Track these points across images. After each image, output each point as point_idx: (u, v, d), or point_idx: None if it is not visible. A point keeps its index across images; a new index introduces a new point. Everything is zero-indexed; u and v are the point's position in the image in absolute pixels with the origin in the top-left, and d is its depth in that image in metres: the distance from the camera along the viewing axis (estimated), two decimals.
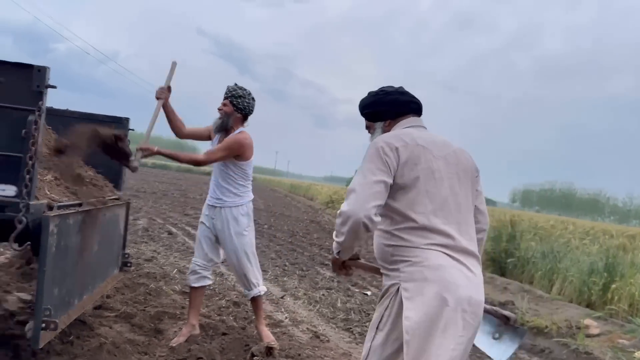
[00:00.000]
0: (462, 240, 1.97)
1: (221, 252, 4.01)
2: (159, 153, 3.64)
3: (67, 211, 2.69)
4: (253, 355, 3.53)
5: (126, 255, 4.14)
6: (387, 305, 2.00)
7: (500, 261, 8.90)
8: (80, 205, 2.97)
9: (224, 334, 4.01)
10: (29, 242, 2.43)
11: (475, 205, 2.16)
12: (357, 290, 6.79)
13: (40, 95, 2.29)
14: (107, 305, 4.30)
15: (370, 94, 2.28)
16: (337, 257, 2.19)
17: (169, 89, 3.82)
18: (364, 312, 5.57)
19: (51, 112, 4.01)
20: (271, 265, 7.62)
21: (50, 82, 2.37)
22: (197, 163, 3.84)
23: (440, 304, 1.85)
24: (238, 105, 3.86)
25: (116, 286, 4.83)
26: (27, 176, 2.27)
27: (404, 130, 2.13)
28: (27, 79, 2.29)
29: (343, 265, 2.32)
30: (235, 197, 3.89)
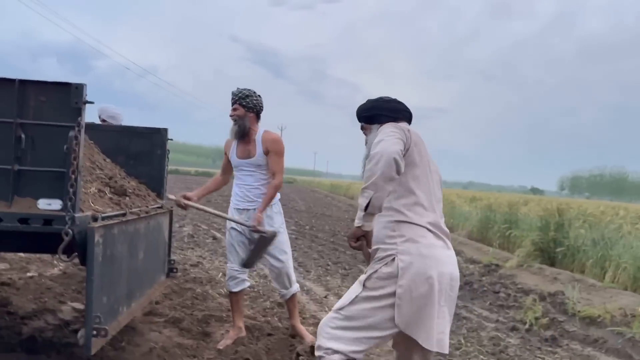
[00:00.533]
0: (442, 222, 2.31)
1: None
2: (262, 212, 3.84)
3: (112, 221, 2.78)
4: (299, 355, 3.56)
5: (172, 262, 4.25)
6: (377, 269, 2.22)
7: (549, 251, 8.65)
8: (124, 215, 3.07)
9: (269, 334, 4.06)
10: (76, 253, 2.53)
11: None
12: None
13: (78, 111, 2.37)
14: (156, 311, 4.42)
15: (370, 101, 2.56)
16: (360, 224, 2.22)
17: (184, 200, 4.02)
18: None
19: (93, 127, 4.17)
20: (314, 265, 7.66)
21: (90, 99, 2.46)
22: (279, 187, 3.95)
23: (431, 278, 2.12)
24: (248, 105, 3.92)
25: (164, 292, 4.97)
26: (71, 190, 2.36)
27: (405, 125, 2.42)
28: (66, 97, 2.38)
29: (360, 238, 2.32)
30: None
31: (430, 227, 2.23)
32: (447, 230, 2.35)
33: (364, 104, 2.57)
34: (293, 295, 4.00)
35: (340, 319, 2.26)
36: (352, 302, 2.24)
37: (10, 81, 2.37)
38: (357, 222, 2.22)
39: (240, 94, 3.92)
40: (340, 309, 2.28)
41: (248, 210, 3.96)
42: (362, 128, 2.61)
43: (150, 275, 3.67)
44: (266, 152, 3.91)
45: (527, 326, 5.13)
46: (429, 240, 2.19)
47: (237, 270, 3.97)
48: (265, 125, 4.04)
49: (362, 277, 2.30)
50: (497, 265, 8.40)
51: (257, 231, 3.79)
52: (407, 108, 2.53)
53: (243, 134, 3.93)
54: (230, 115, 3.95)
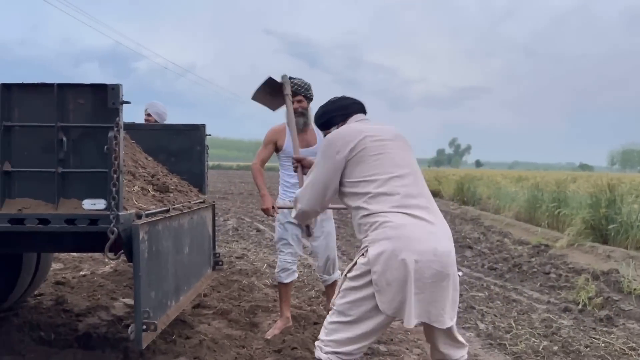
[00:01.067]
0: (418, 199, 2.29)
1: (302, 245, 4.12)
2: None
3: (156, 218, 2.84)
4: None
5: (217, 255, 4.32)
6: (356, 262, 2.27)
7: (600, 229, 8.33)
8: (167, 211, 3.13)
9: (315, 323, 4.08)
10: (122, 251, 2.59)
11: None
12: None
13: (116, 111, 2.42)
14: (204, 304, 4.51)
15: (321, 107, 2.66)
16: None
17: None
18: None
19: (133, 126, 4.26)
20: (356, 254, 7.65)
21: (131, 99, 2.51)
22: None
23: (404, 259, 2.11)
24: (310, 97, 3.92)
25: (211, 285, 5.06)
26: (114, 189, 2.41)
27: (348, 125, 2.51)
28: (103, 98, 2.42)
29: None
30: None
31: (397, 210, 2.22)
32: (427, 205, 2.32)
33: (317, 111, 2.70)
34: (334, 282, 4.01)
35: (335, 314, 2.30)
36: (341, 296, 2.29)
37: (49, 86, 2.44)
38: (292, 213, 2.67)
39: (305, 85, 3.89)
40: (334, 304, 2.33)
41: None
42: (324, 136, 2.65)
43: (197, 268, 3.74)
44: None
45: (580, 307, 4.97)
46: (397, 222, 2.18)
47: (289, 262, 4.02)
48: None
49: (345, 269, 2.35)
50: (546, 245, 8.17)
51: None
52: (356, 101, 2.63)
53: (306, 127, 3.93)
54: (295, 108, 3.80)
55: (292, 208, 3.99)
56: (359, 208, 2.31)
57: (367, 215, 2.26)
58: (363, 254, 2.24)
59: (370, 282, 2.17)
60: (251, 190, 21.21)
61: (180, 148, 4.22)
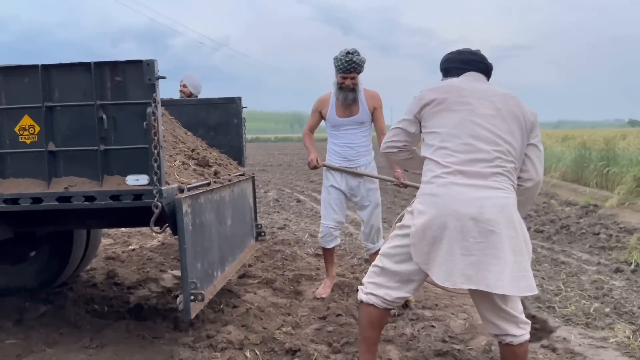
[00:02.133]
0: (479, 166, 2.16)
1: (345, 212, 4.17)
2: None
3: (197, 191, 2.88)
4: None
5: (259, 226, 4.38)
6: (405, 212, 2.37)
7: None
8: (208, 184, 3.17)
9: (357, 290, 4.09)
10: (167, 224, 2.64)
11: (526, 154, 2.30)
12: None
13: (153, 87, 2.43)
14: (249, 274, 4.59)
15: (447, 54, 2.55)
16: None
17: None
18: None
19: (171, 102, 4.31)
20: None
21: (169, 75, 2.53)
22: None
23: (442, 216, 2.12)
24: (361, 71, 3.92)
25: (255, 255, 5.15)
26: (155, 164, 2.45)
27: (451, 80, 2.43)
28: (139, 74, 2.44)
29: None
30: (369, 154, 4.08)
31: (455, 167, 2.18)
32: (489, 171, 2.17)
33: (444, 56, 2.57)
34: (378, 250, 4.01)
35: (379, 259, 2.40)
36: (387, 243, 2.41)
37: (87, 65, 2.47)
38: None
39: (360, 63, 3.84)
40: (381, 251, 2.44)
41: (350, 168, 4.02)
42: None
43: (240, 239, 3.80)
44: (372, 110, 3.98)
45: (632, 267, 4.80)
46: (447, 180, 2.17)
47: (332, 228, 4.08)
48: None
49: (395, 220, 2.49)
50: (595, 205, 7.90)
51: (404, 185, 3.99)
52: (481, 59, 2.47)
53: (354, 102, 3.95)
54: (348, 85, 3.86)
55: (337, 169, 4.03)
56: (424, 158, 2.35)
57: (428, 167, 2.30)
58: (411, 206, 2.33)
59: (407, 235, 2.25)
60: (290, 161, 21.32)
61: (218, 122, 4.25)
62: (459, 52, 2.51)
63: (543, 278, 4.60)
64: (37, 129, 2.50)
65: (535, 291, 2.13)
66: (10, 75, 2.52)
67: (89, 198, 2.49)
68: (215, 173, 3.45)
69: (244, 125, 4.27)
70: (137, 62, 2.45)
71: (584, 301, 3.95)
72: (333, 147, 4.10)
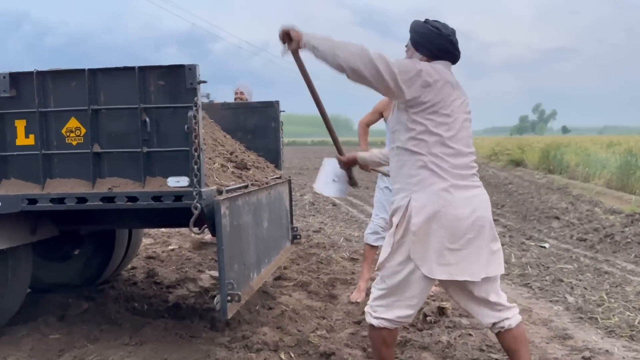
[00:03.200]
0: (470, 162, 2.26)
1: None
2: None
3: (236, 194, 2.92)
4: (425, 315, 3.52)
5: (295, 229, 4.41)
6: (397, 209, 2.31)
7: None
8: (246, 187, 3.21)
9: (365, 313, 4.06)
10: (206, 225, 2.69)
11: None
12: (532, 243, 6.38)
13: (194, 91, 2.49)
14: (285, 276, 4.62)
15: (428, 25, 2.33)
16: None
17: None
18: (543, 265, 5.21)
19: (210, 106, 4.39)
20: None
21: (209, 79, 2.58)
22: None
23: (442, 216, 2.15)
24: None
25: (291, 258, 5.17)
26: (195, 166, 2.50)
27: (435, 65, 2.27)
28: (181, 79, 2.50)
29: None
30: None
31: (456, 171, 2.21)
32: (472, 170, 2.28)
33: (421, 24, 2.36)
34: None
35: (382, 281, 2.32)
36: (385, 261, 2.31)
37: (131, 69, 2.54)
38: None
39: None
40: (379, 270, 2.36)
41: None
42: (405, 46, 2.44)
43: (276, 242, 3.83)
44: None
45: None
46: (449, 183, 2.18)
47: (380, 227, 4.09)
48: None
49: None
50: None
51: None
52: (457, 49, 2.36)
53: None
54: None
55: (386, 174, 4.00)
56: (416, 154, 2.23)
57: (423, 167, 2.21)
58: (403, 206, 2.25)
59: (405, 235, 2.21)
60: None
61: (256, 125, 4.30)
62: (439, 31, 2.30)
63: (585, 288, 4.46)
64: (83, 130, 2.59)
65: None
66: (59, 79, 2.62)
67: (132, 198, 2.56)
68: (253, 176, 3.49)
69: (282, 129, 4.31)
70: (179, 66, 2.51)
71: (628, 313, 3.81)
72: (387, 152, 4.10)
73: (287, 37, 2.28)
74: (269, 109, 4.29)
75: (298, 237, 4.45)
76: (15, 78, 2.62)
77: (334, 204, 9.70)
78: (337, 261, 5.27)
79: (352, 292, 4.10)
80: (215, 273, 4.62)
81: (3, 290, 3.01)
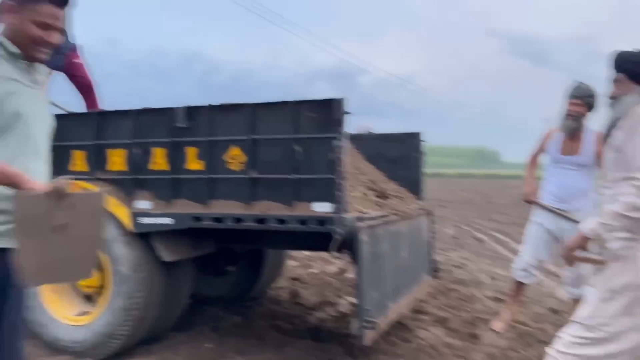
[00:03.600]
0: None
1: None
2: None
3: (376, 222, 2.99)
4: None
5: (435, 262, 4.34)
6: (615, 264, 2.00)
7: None
8: (386, 216, 3.27)
9: (540, 341, 3.77)
10: (346, 251, 2.79)
11: None
12: None
13: (340, 122, 2.64)
14: (423, 309, 4.54)
15: None
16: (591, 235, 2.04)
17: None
18: None
19: (355, 136, 4.55)
20: None
21: (355, 111, 2.73)
22: None
23: None
24: (590, 104, 3.75)
25: (429, 291, 5.07)
26: (339, 194, 2.63)
27: None
28: (329, 111, 2.67)
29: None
30: (586, 198, 3.75)
31: None
32: None
33: (636, 53, 2.13)
34: (580, 298, 3.70)
35: (582, 329, 2.08)
36: (591, 308, 2.06)
37: (286, 103, 2.77)
38: (588, 231, 2.03)
39: (588, 92, 3.76)
40: (580, 317, 2.10)
41: (562, 211, 3.77)
42: (615, 80, 2.18)
43: (415, 274, 3.81)
44: (598, 155, 3.68)
45: None
46: None
47: (530, 264, 3.96)
48: (531, 119, 3.87)
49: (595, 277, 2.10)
50: None
51: None
52: None
53: (572, 132, 3.80)
54: (570, 110, 3.76)
55: (548, 209, 3.81)
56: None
57: None
58: (620, 255, 1.99)
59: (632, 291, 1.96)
60: (470, 198, 20.61)
61: (397, 155, 4.37)
62: None
63: None
64: (243, 158, 2.87)
65: None
66: (225, 112, 2.94)
67: (281, 221, 2.76)
68: (393, 205, 3.54)
69: (423, 159, 4.32)
70: (328, 100, 2.68)
71: None
72: (548, 185, 3.94)
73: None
74: (411, 139, 4.33)
75: (438, 270, 4.37)
76: (190, 111, 3.00)
77: (478, 240, 9.31)
78: (480, 299, 5.04)
79: (494, 321, 3.93)
80: (354, 299, 4.70)
81: (169, 298, 3.39)
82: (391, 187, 4.04)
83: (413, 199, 4.23)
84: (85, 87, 4.24)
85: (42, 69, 1.86)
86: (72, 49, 4.12)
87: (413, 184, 4.33)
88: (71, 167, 3.28)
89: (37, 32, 1.68)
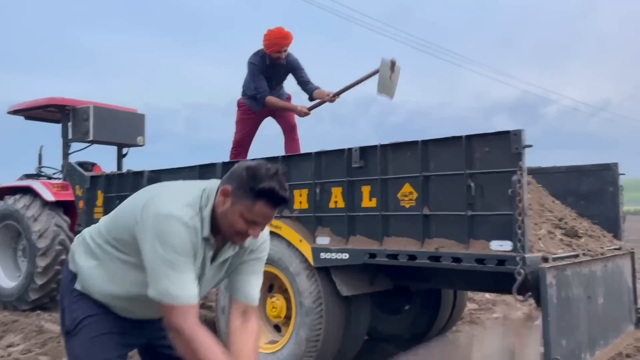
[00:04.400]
0: None
1: None
2: None
3: (564, 262, 2.74)
4: None
5: (639, 310, 3.79)
6: None
7: None
8: (577, 256, 2.97)
9: None
10: (530, 294, 2.59)
11: None
12: None
13: (519, 155, 2.50)
14: None
15: None
16: None
17: None
18: None
19: (538, 170, 4.25)
20: None
21: (540, 144, 2.58)
22: None
23: None
24: None
25: (635, 345, 4.41)
26: (519, 231, 2.47)
27: None
28: (506, 144, 2.56)
29: None
30: None
31: None
32: None
33: None
34: None
35: None
36: None
37: (459, 138, 2.73)
38: None
39: None
40: None
41: None
42: None
43: (614, 323, 3.37)
44: None
45: None
46: None
47: None
48: None
49: None
50: None
51: None
52: None
53: None
54: None
55: None
56: None
57: None
58: None
59: None
60: None
61: (590, 190, 3.95)
62: None
63: None
64: (415, 195, 2.88)
65: None
66: (397, 151, 3.01)
67: (456, 259, 2.69)
68: (585, 245, 3.20)
69: (622, 194, 3.84)
70: (504, 133, 2.57)
71: None
72: None
73: None
74: (605, 172, 3.89)
75: None
76: (364, 151, 3.13)
77: None
78: None
79: None
80: (541, 348, 4.30)
81: (346, 332, 3.49)
82: (583, 225, 3.66)
83: (610, 238, 3.77)
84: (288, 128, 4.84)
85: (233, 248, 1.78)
86: (287, 98, 4.91)
87: (609, 221, 3.86)
88: None
89: (242, 226, 1.62)
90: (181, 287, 1.57)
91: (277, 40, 4.37)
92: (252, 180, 1.58)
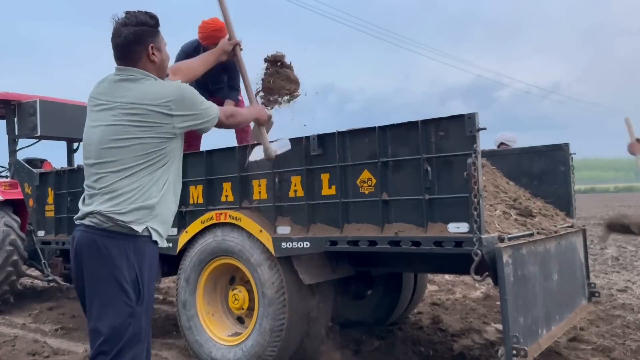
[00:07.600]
0: None
1: None
2: None
3: (519, 242, 2.80)
4: None
5: (592, 285, 3.94)
6: None
7: None
8: (531, 235, 3.05)
9: None
10: (487, 273, 2.64)
11: None
12: None
13: (473, 139, 2.54)
14: (581, 338, 4.13)
15: None
16: None
17: None
18: None
19: (492, 153, 4.35)
20: None
21: (494, 127, 2.63)
22: None
23: None
24: None
25: (588, 318, 4.60)
26: (475, 212, 2.52)
27: None
28: (461, 128, 2.58)
29: None
30: None
31: None
32: None
33: None
34: None
35: None
36: None
37: (414, 123, 2.75)
38: None
39: None
40: None
41: None
42: None
43: (568, 298, 3.49)
44: None
45: None
46: None
47: None
48: None
49: None
50: None
51: None
52: None
53: None
54: None
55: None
56: None
57: None
58: None
59: None
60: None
61: (542, 170, 4.07)
62: None
63: None
64: (374, 181, 2.89)
65: None
66: (355, 138, 3.00)
67: (415, 243, 2.71)
68: (539, 224, 3.30)
69: (573, 174, 3.97)
70: (458, 116, 2.60)
71: None
72: None
73: None
74: (557, 152, 4.01)
75: (597, 294, 3.95)
76: (322, 139, 3.11)
77: None
78: None
79: None
80: (500, 326, 4.43)
81: (310, 320, 3.49)
82: (536, 204, 3.77)
83: (562, 216, 3.90)
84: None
85: None
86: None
87: (562, 200, 3.99)
88: (222, 199, 3.57)
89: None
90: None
91: (213, 32, 4.00)
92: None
